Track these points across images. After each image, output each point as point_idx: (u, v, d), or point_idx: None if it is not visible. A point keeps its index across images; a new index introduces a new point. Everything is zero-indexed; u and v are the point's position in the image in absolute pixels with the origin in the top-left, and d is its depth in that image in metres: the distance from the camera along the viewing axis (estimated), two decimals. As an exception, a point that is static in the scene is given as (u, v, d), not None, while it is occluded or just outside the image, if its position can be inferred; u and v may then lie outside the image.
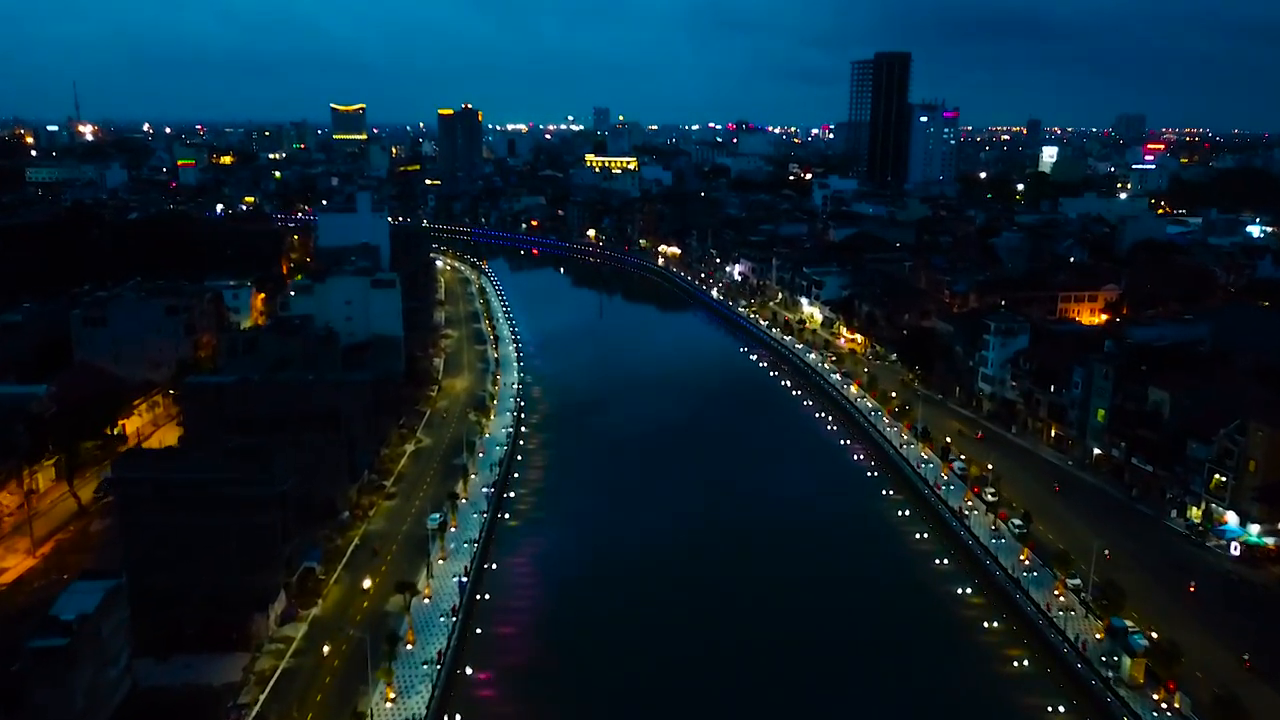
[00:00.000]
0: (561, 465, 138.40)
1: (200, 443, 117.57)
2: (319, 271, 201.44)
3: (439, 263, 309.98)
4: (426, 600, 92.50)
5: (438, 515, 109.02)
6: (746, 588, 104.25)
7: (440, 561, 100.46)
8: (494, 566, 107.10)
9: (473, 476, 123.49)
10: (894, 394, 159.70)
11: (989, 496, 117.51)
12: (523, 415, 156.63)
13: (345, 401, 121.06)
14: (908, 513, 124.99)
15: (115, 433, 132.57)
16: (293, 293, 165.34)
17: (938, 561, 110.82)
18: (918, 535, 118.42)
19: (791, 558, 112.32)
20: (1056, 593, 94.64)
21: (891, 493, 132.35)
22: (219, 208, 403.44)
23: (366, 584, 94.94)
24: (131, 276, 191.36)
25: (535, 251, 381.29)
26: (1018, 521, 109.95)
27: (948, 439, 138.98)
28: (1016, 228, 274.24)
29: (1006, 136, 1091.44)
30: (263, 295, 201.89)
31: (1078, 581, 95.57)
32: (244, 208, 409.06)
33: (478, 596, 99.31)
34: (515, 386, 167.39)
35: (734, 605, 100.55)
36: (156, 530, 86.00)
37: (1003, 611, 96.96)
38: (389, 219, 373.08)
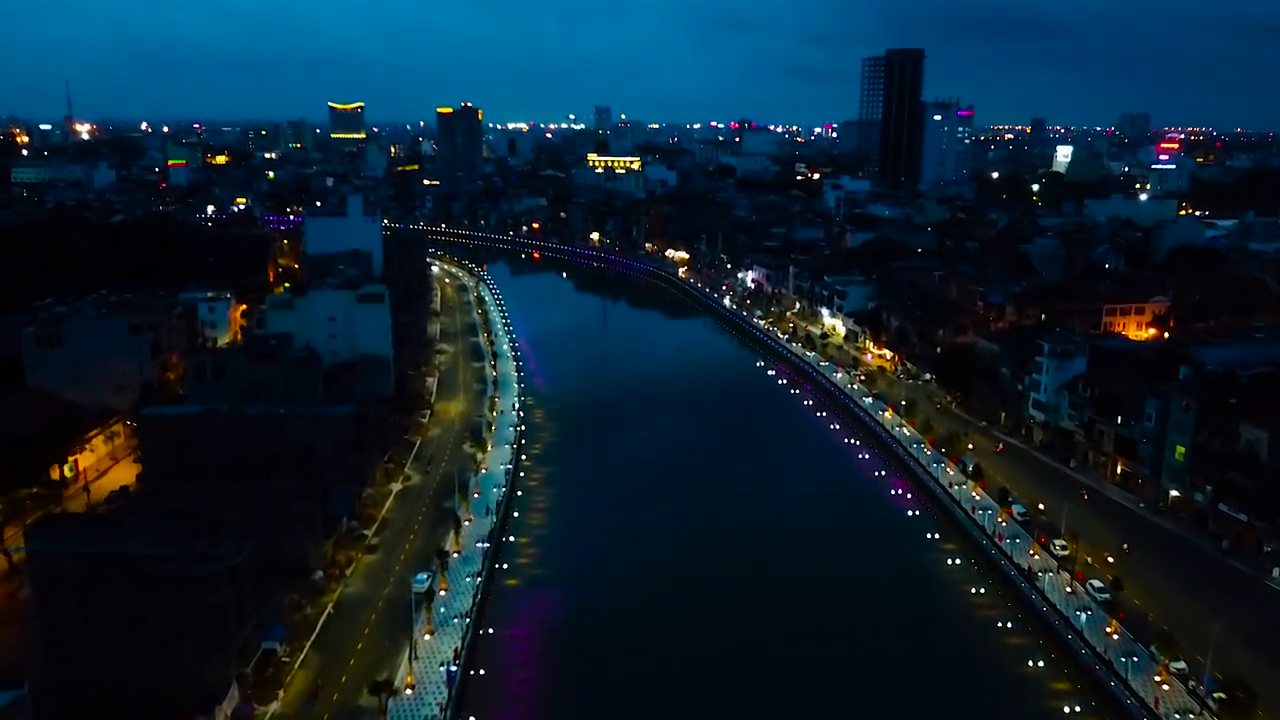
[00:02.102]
0: (567, 506, 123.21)
1: (158, 485, 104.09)
2: (302, 283, 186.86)
3: (435, 268, 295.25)
4: (409, 691, 77.53)
5: (424, 576, 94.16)
6: (785, 666, 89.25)
7: (427, 637, 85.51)
8: (490, 631, 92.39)
9: (466, 524, 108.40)
10: (934, 422, 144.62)
11: (1059, 549, 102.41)
12: (523, 444, 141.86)
13: (322, 439, 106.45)
14: (958, 562, 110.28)
15: (66, 471, 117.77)
16: (269, 308, 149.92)
17: (1000, 625, 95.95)
18: (974, 591, 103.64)
19: (833, 621, 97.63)
20: (1159, 679, 79.60)
21: (937, 537, 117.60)
22: (210, 209, 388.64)
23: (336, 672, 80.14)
24: (110, 284, 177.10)
25: (536, 255, 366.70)
26: (1097, 583, 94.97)
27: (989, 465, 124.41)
28: (1051, 233, 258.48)
29: (1010, 135, 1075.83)
30: (244, 307, 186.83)
31: (1183, 666, 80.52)
32: (236, 209, 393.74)
33: (471, 671, 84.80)
34: (515, 411, 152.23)
35: (769, 688, 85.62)
36: (81, 614, 71.21)
37: (1091, 700, 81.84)
38: (384, 222, 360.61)
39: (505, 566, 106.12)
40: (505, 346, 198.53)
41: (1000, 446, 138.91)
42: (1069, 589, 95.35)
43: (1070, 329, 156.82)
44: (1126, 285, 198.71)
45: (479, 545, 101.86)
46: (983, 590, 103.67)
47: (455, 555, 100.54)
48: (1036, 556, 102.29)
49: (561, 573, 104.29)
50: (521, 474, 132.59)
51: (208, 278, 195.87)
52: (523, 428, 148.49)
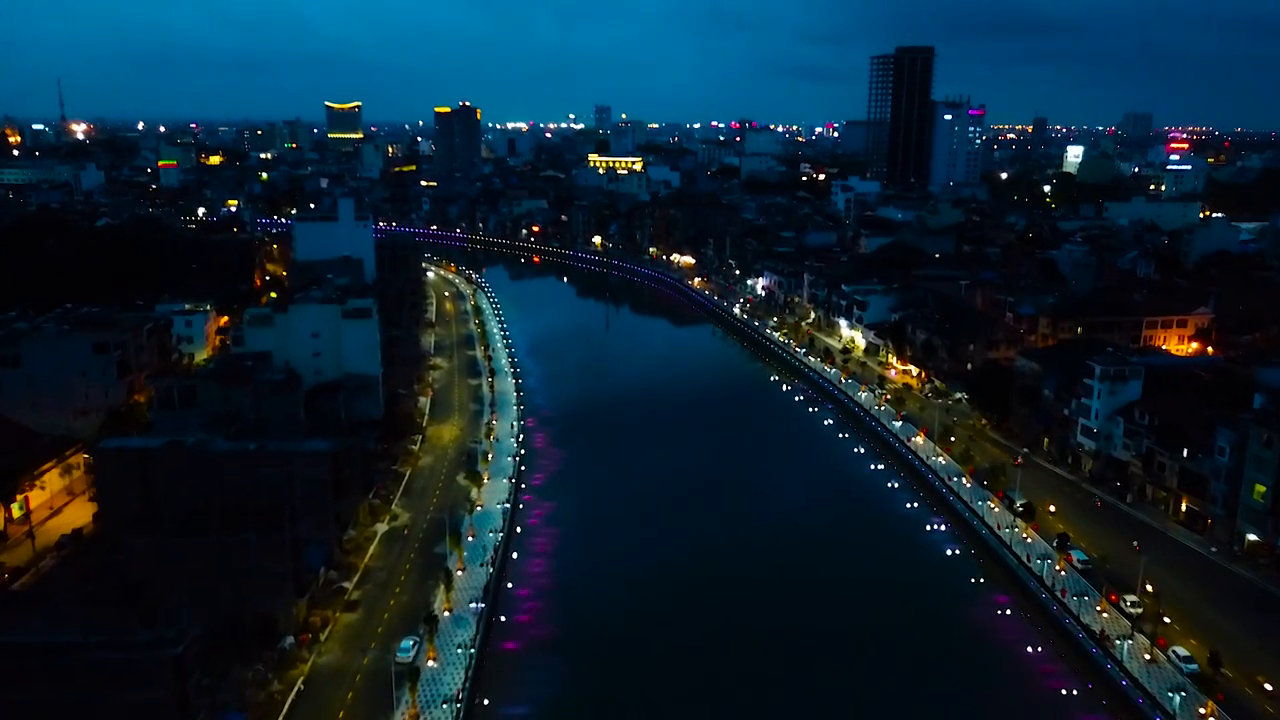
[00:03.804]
0: (572, 550, 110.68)
1: (113, 531, 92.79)
2: (288, 293, 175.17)
3: (430, 273, 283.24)
4: (388, 797, 65.63)
5: (410, 644, 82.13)
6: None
7: (411, 722, 73.48)
8: (486, 703, 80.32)
9: (458, 574, 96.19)
10: (967, 447, 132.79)
11: (1130, 607, 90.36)
12: (523, 471, 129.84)
13: (298, 478, 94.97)
14: (1009, 614, 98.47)
15: (15, 511, 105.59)
16: (247, 324, 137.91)
17: (1067, 694, 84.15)
18: (1030, 649, 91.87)
19: (873, 683, 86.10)
20: (1272, 779, 67.79)
21: (983, 582, 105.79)
22: (201, 211, 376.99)
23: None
24: (85, 294, 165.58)
25: (536, 259, 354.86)
26: (1181, 651, 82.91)
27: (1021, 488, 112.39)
28: (1078, 237, 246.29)
29: (1012, 135, 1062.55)
30: (225, 319, 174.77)
31: (1300, 762, 68.68)
32: (228, 211, 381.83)
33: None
34: (514, 438, 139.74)
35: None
36: (-9, 715, 59.35)
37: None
38: (380, 224, 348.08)
39: (504, 619, 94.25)
40: (504, 361, 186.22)
41: (1019, 460, 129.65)
42: (1148, 656, 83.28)
43: (1108, 343, 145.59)
44: (1163, 295, 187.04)
45: (473, 606, 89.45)
46: (1040, 649, 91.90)
47: (446, 614, 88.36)
48: (1105, 614, 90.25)
49: (567, 633, 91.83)
50: (521, 506, 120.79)
51: (189, 286, 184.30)
52: (522, 452, 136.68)
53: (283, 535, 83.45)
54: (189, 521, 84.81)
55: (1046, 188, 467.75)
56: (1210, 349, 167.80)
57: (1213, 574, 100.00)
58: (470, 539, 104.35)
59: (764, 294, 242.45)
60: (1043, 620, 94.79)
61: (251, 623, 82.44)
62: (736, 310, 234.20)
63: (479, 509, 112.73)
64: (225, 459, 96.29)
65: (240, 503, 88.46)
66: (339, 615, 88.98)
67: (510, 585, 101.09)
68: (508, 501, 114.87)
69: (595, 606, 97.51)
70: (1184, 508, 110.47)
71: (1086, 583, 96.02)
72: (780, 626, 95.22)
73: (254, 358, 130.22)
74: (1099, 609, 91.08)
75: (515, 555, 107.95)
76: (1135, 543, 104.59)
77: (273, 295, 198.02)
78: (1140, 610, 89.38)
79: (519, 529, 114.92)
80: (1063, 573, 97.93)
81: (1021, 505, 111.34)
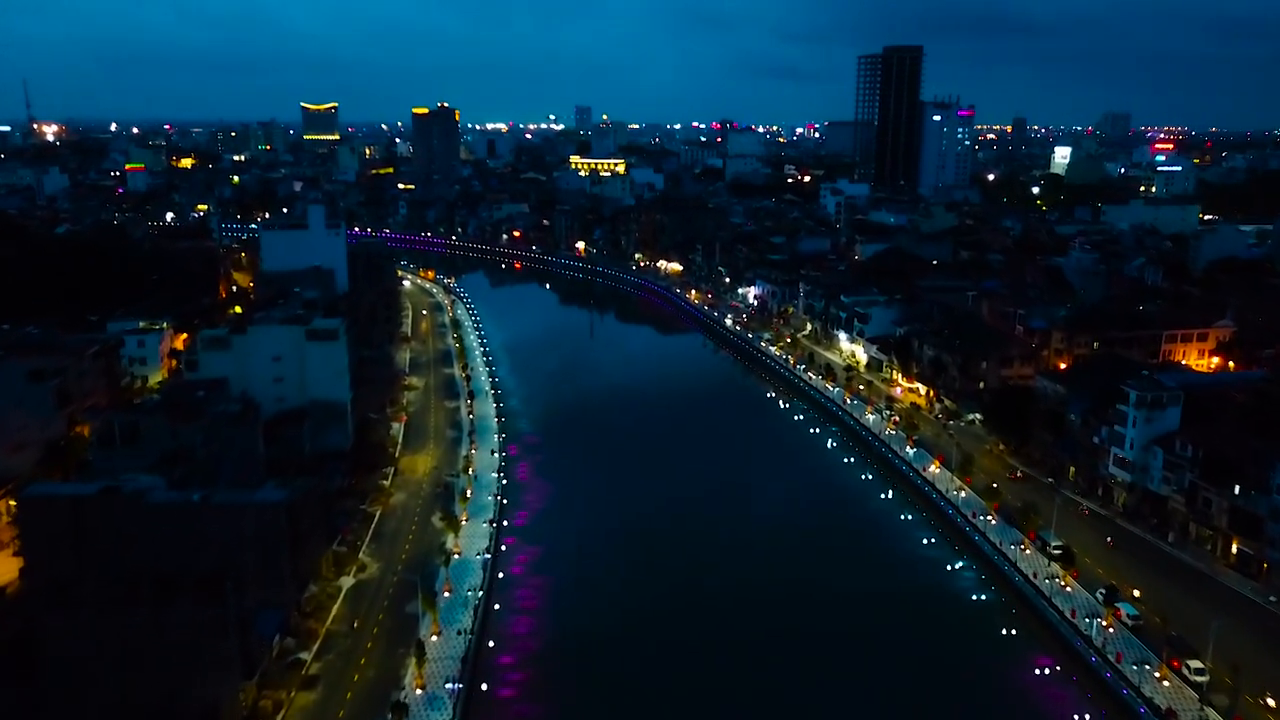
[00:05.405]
0: (561, 603, 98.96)
1: (37, 594, 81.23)
2: (249, 311, 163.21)
3: (406, 282, 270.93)
4: None
5: (376, 736, 71.02)
6: None
7: (375, 841, 62.18)
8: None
9: (433, 640, 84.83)
10: (984, 474, 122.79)
11: (1194, 674, 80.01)
12: (505, 507, 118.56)
13: (248, 535, 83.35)
14: (1048, 672, 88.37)
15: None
16: (201, 348, 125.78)
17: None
18: (1079, 718, 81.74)
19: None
20: None
21: (1014, 633, 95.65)
22: (169, 216, 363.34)
23: None
24: (31, 309, 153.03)
25: (518, 265, 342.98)
26: (1262, 731, 72.84)
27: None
28: (1085, 244, 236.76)
29: (992, 135, 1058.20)
30: (184, 337, 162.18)
31: None
32: (196, 216, 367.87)
33: None
34: (496, 470, 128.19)
35: None
36: None
37: None
38: (355, 229, 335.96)
39: (485, 687, 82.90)
40: (484, 380, 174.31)
41: (1018, 474, 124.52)
42: (1223, 738, 73.12)
43: (1133, 361, 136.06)
44: (1180, 306, 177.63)
45: (449, 686, 77.89)
46: (1088, 717, 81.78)
47: (418, 693, 76.99)
48: (1166, 682, 79.98)
49: (558, 712, 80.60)
50: (504, 549, 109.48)
51: (149, 299, 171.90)
52: (505, 482, 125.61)
53: (226, 608, 71.86)
54: (119, 590, 73.26)
55: (1035, 189, 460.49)
56: (1232, 364, 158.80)
57: (1275, 628, 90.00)
58: (446, 595, 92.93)
59: (756, 304, 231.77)
60: (1093, 687, 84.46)
61: (191, 712, 70.94)
62: (728, 321, 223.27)
63: (456, 558, 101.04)
64: (165, 512, 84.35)
65: (182, 562, 77.37)
66: (295, 695, 77.32)
67: (491, 644, 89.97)
68: (488, 551, 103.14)
69: (588, 675, 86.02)
70: (1235, 550, 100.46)
71: (1141, 644, 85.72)
72: (793, 686, 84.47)
73: (207, 385, 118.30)
74: (1158, 675, 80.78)
75: (497, 607, 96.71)
76: (1109, 538, 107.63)
77: (236, 310, 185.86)
78: (1206, 679, 79.07)
79: (500, 574, 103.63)
80: (1111, 629, 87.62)
81: (1057, 548, 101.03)
